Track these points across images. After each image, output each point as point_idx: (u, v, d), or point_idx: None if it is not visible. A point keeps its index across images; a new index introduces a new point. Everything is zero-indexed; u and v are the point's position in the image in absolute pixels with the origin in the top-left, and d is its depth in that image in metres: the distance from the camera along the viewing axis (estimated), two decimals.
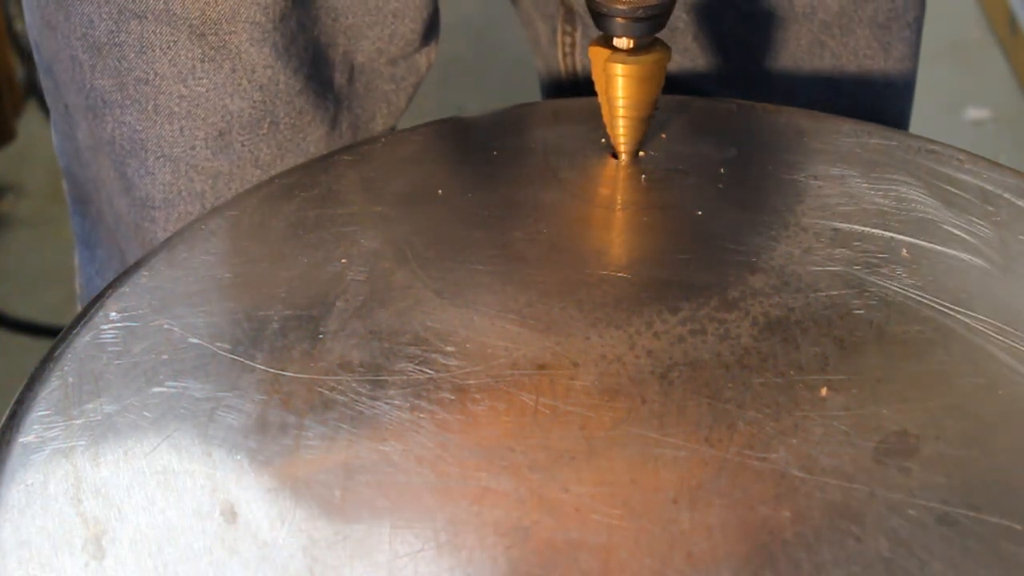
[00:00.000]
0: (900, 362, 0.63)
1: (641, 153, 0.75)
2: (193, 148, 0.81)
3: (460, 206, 0.72)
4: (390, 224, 0.71)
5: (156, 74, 0.79)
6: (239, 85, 0.80)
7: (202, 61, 0.79)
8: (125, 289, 0.67)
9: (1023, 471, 0.58)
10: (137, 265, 0.69)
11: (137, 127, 0.81)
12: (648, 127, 0.74)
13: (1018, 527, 0.56)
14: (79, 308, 0.98)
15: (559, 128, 0.78)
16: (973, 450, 0.59)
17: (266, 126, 0.81)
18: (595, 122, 0.75)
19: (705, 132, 0.77)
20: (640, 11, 0.71)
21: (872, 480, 0.58)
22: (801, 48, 0.89)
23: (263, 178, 0.82)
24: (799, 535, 0.56)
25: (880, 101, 0.92)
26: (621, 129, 0.74)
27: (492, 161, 0.76)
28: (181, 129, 0.80)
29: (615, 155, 0.75)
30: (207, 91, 0.80)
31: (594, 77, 0.73)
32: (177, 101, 0.80)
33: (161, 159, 0.81)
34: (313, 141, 0.83)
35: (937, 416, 0.60)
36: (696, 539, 0.56)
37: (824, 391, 0.61)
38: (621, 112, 0.73)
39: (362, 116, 0.87)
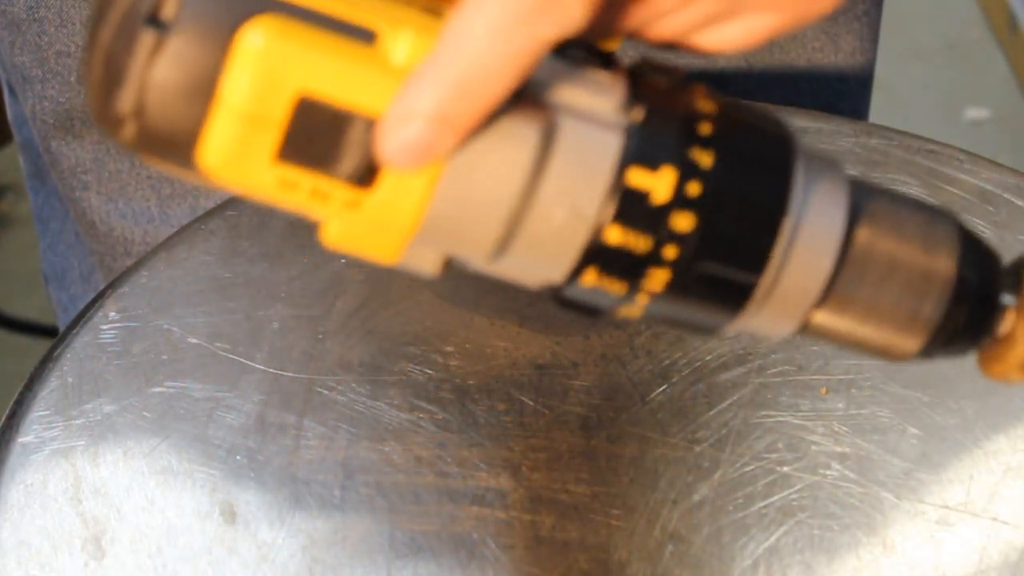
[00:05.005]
0: None
1: None
2: None
3: None
4: None
5: (77, 46, 0.79)
6: None
7: None
8: (125, 289, 0.67)
9: (1023, 471, 0.58)
10: (137, 265, 0.69)
11: (60, 99, 0.81)
12: None
13: (1017, 526, 0.56)
14: (46, 289, 0.99)
15: None
16: (973, 450, 0.59)
17: None
18: None
19: None
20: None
21: (872, 480, 0.58)
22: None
23: None
24: (799, 535, 0.56)
25: (835, 98, 0.91)
26: None
27: None
28: None
29: None
30: None
31: None
32: None
33: (88, 124, 0.81)
34: None
35: (937, 416, 0.60)
36: (696, 539, 0.56)
37: (824, 391, 0.61)
38: None
39: None
